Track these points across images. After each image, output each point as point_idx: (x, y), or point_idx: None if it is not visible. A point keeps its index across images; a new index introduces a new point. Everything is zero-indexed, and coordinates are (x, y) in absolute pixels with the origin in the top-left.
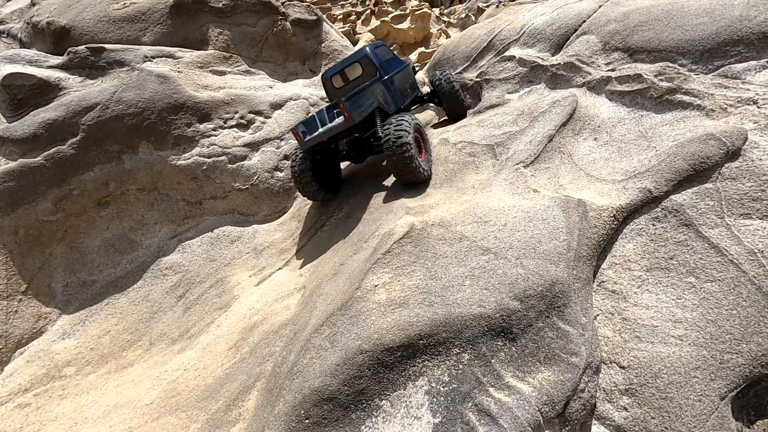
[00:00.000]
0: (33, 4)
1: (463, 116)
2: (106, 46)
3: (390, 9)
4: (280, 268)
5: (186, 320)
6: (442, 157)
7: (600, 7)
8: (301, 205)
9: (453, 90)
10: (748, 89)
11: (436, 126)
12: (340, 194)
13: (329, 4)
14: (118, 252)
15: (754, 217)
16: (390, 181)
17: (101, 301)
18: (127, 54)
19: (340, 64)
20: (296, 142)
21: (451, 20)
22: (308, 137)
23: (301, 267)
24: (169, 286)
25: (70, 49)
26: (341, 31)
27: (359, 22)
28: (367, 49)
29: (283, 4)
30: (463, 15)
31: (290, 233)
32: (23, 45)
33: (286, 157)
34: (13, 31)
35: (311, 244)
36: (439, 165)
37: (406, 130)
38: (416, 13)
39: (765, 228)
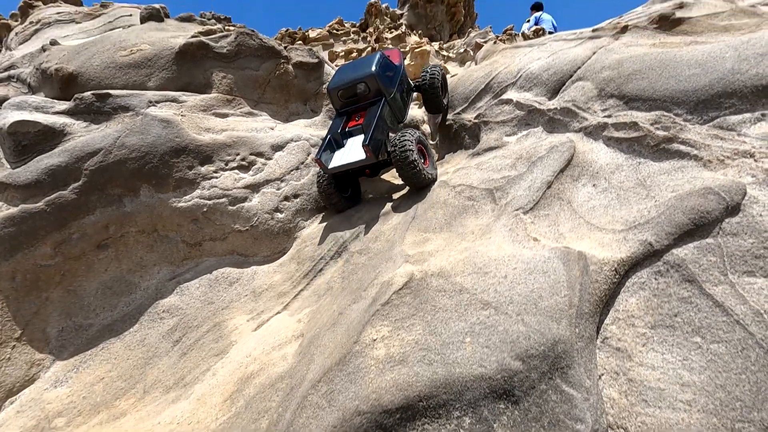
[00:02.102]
0: (44, 50)
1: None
2: (112, 92)
3: (390, 45)
4: (278, 312)
5: (181, 366)
6: (441, 200)
7: (594, 53)
8: (301, 246)
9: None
10: (744, 141)
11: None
12: (339, 236)
13: (332, 40)
14: (115, 294)
15: (758, 275)
16: (389, 218)
17: (96, 346)
18: (132, 99)
19: (347, 77)
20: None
21: (450, 54)
22: (331, 165)
23: (299, 312)
24: (165, 329)
25: (76, 95)
26: None
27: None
28: (374, 67)
29: (285, 48)
30: (462, 50)
31: (289, 275)
32: (31, 89)
33: (286, 198)
34: (23, 75)
35: (310, 287)
36: (438, 209)
37: (410, 149)
38: (416, 50)
39: None
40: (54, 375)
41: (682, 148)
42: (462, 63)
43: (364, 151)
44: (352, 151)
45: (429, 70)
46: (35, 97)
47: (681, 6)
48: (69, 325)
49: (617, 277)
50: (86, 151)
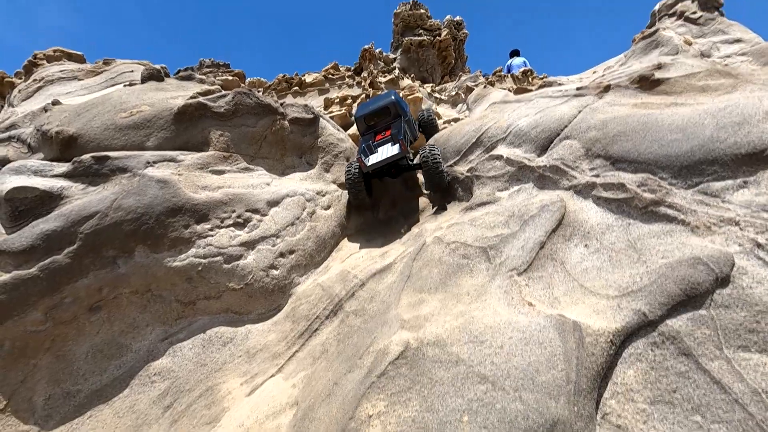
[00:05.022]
0: (45, 110)
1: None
2: (110, 154)
3: (384, 89)
4: (272, 375)
5: None
6: (436, 258)
7: (579, 112)
8: (296, 304)
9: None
10: (729, 209)
11: (428, 220)
12: (334, 294)
13: (327, 85)
14: (106, 357)
15: (752, 350)
16: (385, 275)
17: (84, 414)
18: (130, 161)
19: (372, 106)
20: (348, 164)
21: (442, 97)
22: (370, 163)
23: (294, 376)
24: (156, 394)
25: (75, 159)
26: (338, 114)
27: (355, 105)
28: (393, 96)
29: (282, 105)
30: (453, 92)
31: (284, 335)
32: (31, 149)
33: (282, 255)
34: (23, 136)
35: (305, 349)
36: (433, 267)
37: (440, 160)
38: (409, 97)
39: (766, 363)
40: None
41: (670, 212)
42: (453, 105)
43: (399, 146)
44: (386, 152)
45: (425, 112)
46: (33, 161)
47: (659, 67)
48: (56, 392)
49: (613, 348)
50: (82, 215)
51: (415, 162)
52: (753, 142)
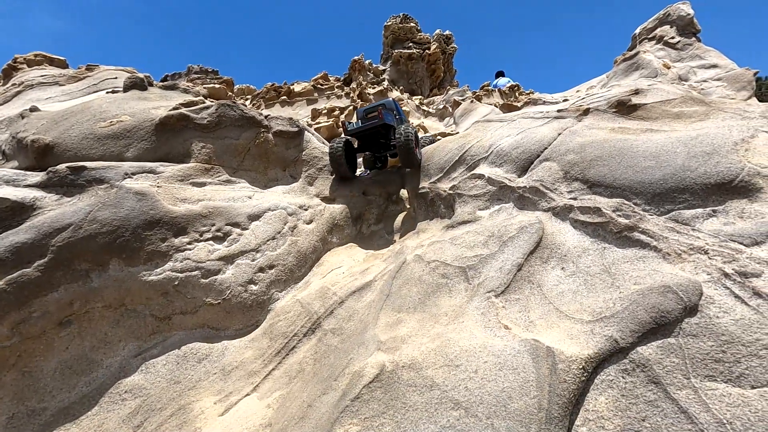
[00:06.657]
0: (22, 117)
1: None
2: (87, 164)
3: (373, 100)
4: (247, 394)
5: None
6: (416, 277)
7: (559, 134)
8: (274, 320)
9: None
10: (698, 237)
11: (410, 236)
12: (313, 311)
13: (316, 95)
14: (75, 374)
15: (718, 380)
16: (364, 293)
17: None
18: (108, 172)
19: (371, 105)
20: (326, 140)
21: (430, 110)
22: (350, 128)
23: (269, 395)
24: (126, 413)
25: (50, 169)
26: (325, 125)
27: (342, 116)
28: (391, 100)
29: (267, 117)
30: (441, 106)
31: (261, 352)
32: (6, 157)
33: (261, 269)
34: None
35: (282, 367)
36: (413, 285)
37: (410, 138)
38: None
39: (731, 394)
40: None
41: (643, 237)
42: (441, 119)
43: (378, 113)
44: (368, 123)
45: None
46: (6, 170)
47: (637, 92)
48: (21, 411)
49: (585, 374)
50: (55, 227)
51: (392, 143)
52: (722, 172)
